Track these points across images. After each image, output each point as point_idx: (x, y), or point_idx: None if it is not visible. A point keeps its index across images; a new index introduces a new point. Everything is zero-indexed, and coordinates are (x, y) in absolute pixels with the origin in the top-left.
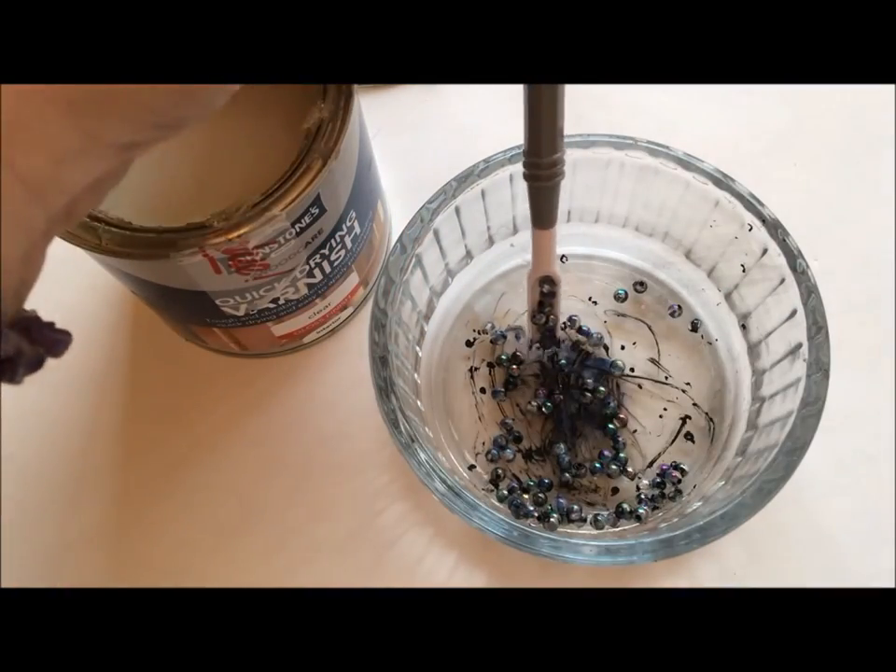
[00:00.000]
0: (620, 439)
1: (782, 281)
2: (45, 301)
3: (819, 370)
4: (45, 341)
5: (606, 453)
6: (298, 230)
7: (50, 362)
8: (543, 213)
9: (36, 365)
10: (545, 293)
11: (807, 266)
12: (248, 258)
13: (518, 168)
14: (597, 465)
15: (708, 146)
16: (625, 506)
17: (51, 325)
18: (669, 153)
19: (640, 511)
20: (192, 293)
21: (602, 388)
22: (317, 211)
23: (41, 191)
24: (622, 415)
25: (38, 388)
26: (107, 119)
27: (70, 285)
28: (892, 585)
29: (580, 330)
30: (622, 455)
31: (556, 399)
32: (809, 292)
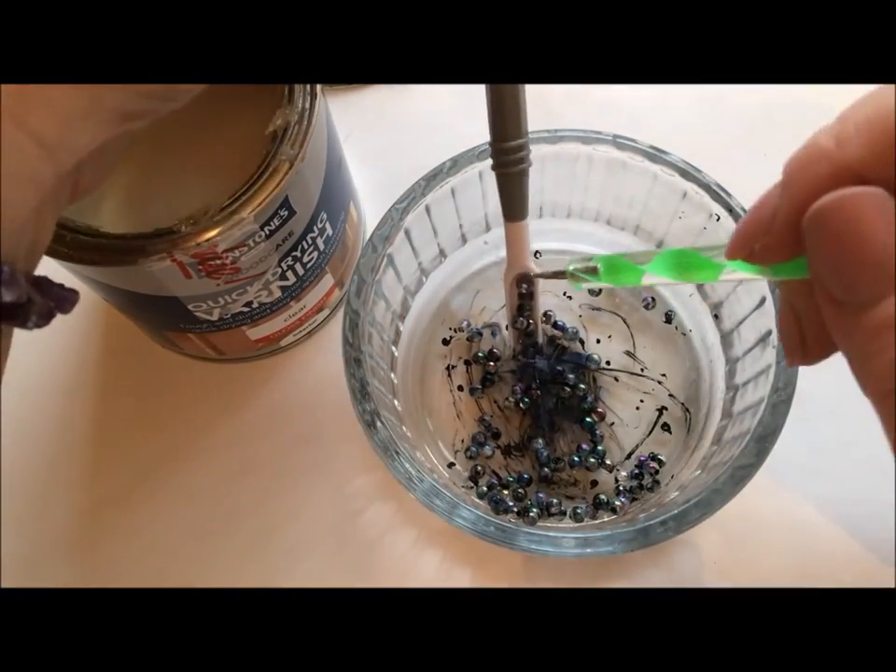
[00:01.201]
0: (598, 431)
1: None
2: None
3: None
4: (54, 296)
5: (584, 446)
6: (267, 232)
7: (24, 370)
8: (514, 203)
9: (47, 315)
10: (523, 293)
11: None
12: (218, 262)
13: (488, 165)
14: (576, 458)
15: (679, 138)
16: (603, 497)
17: (61, 285)
18: (636, 146)
19: (616, 503)
20: (164, 299)
21: (581, 385)
22: (286, 213)
23: (52, 149)
24: (599, 409)
25: (12, 395)
26: (110, 84)
27: None
28: (868, 566)
29: (555, 325)
30: (600, 447)
31: (534, 395)
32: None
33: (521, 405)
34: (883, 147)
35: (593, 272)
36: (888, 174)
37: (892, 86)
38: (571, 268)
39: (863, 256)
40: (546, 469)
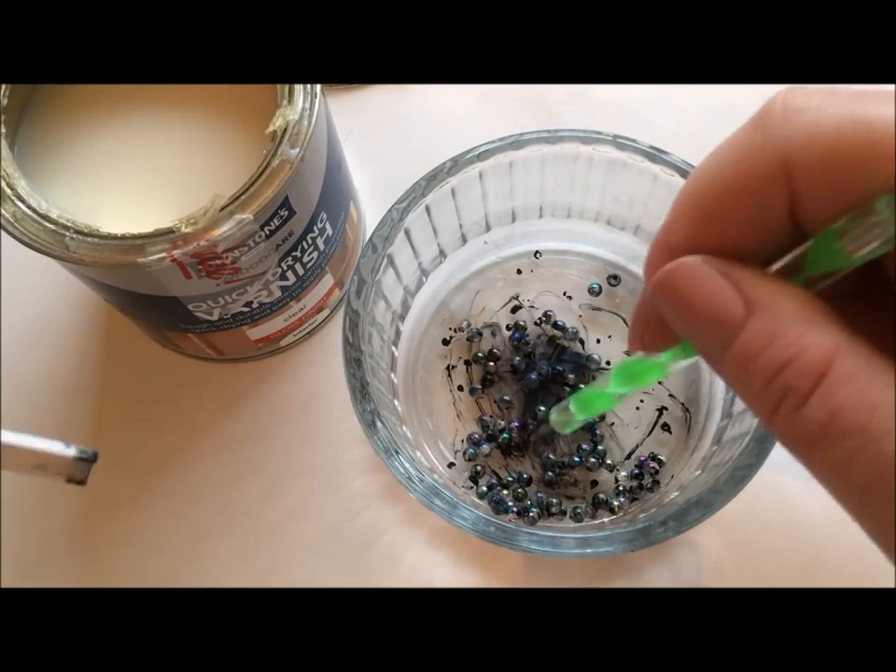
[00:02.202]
0: (598, 431)
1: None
2: (17, 310)
3: None
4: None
5: (584, 446)
6: (267, 232)
7: (24, 370)
8: None
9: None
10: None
11: None
12: (218, 262)
13: (488, 165)
14: (576, 458)
15: (679, 138)
16: (602, 496)
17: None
18: (636, 146)
19: (614, 503)
20: (164, 299)
21: (582, 385)
22: (286, 213)
23: None
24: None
25: (12, 395)
26: None
27: (42, 294)
28: (868, 566)
29: (555, 325)
30: (600, 447)
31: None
32: None
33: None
34: (698, 224)
35: (570, 414)
36: (711, 239)
37: (698, 167)
38: (553, 418)
39: (698, 310)
40: (550, 473)
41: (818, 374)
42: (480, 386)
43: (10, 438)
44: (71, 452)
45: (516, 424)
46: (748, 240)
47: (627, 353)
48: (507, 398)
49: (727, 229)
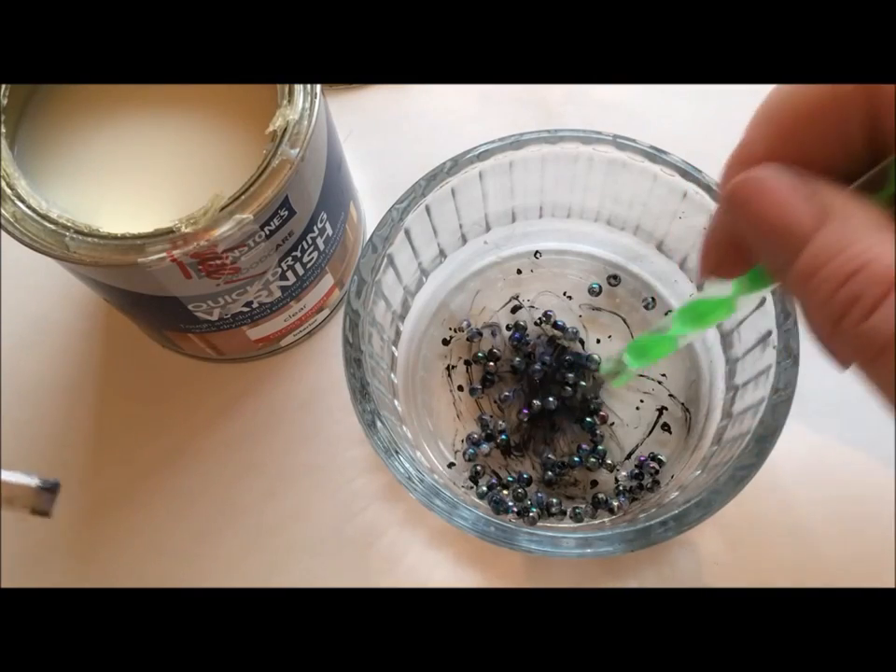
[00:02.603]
0: (598, 431)
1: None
2: (17, 311)
3: (789, 356)
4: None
5: (584, 446)
6: (267, 232)
7: (24, 370)
8: None
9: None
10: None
11: None
12: (218, 262)
13: (488, 165)
14: (576, 458)
15: (679, 138)
16: (602, 496)
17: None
18: (636, 146)
19: (614, 503)
20: (164, 299)
21: (582, 383)
22: (286, 213)
23: None
24: (602, 413)
25: (12, 395)
26: None
27: (42, 294)
28: (868, 566)
29: (555, 325)
30: (600, 447)
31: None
32: None
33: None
34: (777, 140)
35: (622, 365)
36: (789, 154)
37: (779, 85)
38: (604, 368)
39: (769, 219)
40: (550, 473)
41: (889, 283)
42: (480, 386)
43: None
44: (33, 482)
45: (525, 411)
46: (827, 157)
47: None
48: (507, 393)
49: (806, 146)
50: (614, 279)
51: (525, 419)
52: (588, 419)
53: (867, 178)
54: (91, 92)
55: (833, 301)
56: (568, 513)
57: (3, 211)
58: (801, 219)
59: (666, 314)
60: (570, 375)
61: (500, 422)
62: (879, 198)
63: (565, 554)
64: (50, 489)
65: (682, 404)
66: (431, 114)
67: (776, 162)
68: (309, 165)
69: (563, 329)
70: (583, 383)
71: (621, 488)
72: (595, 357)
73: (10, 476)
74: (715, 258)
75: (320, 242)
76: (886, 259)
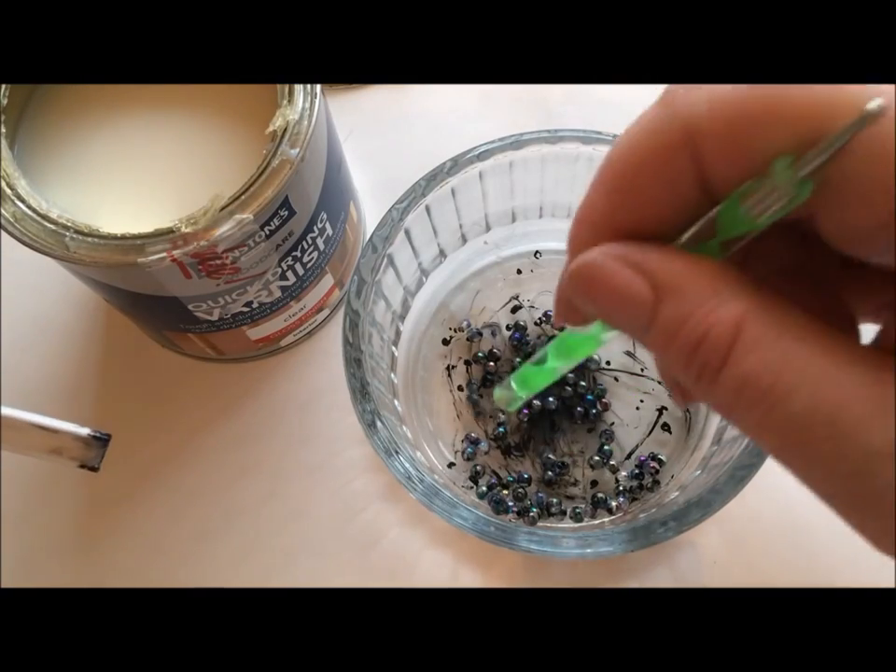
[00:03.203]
0: (606, 430)
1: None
2: (18, 310)
3: None
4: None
5: (589, 445)
6: (267, 232)
7: (24, 370)
8: None
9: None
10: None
11: None
12: (218, 261)
13: (488, 165)
14: (577, 458)
15: None
16: (601, 495)
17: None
18: None
19: (612, 504)
20: (164, 299)
21: (583, 382)
22: (286, 213)
23: None
24: (603, 411)
25: (12, 395)
26: None
27: (42, 294)
28: (868, 566)
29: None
30: (606, 447)
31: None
32: None
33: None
34: (615, 198)
35: (513, 391)
36: (628, 217)
37: (617, 138)
38: (497, 395)
39: (611, 304)
40: (550, 473)
41: (727, 346)
42: (477, 388)
43: (22, 415)
44: (84, 431)
45: (525, 411)
46: (663, 212)
47: (627, 352)
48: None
49: (642, 202)
50: None
51: (525, 419)
52: (593, 410)
53: (696, 230)
54: (91, 92)
55: (689, 369)
56: (568, 513)
57: (3, 211)
58: (641, 298)
59: (549, 338)
60: (571, 375)
61: (500, 414)
62: (709, 247)
63: (565, 554)
64: (102, 440)
65: None
66: (431, 114)
67: (616, 225)
68: (309, 165)
69: (562, 327)
70: (583, 382)
71: (621, 488)
72: (595, 356)
73: (59, 424)
74: (567, 310)
75: (320, 242)
76: (720, 325)
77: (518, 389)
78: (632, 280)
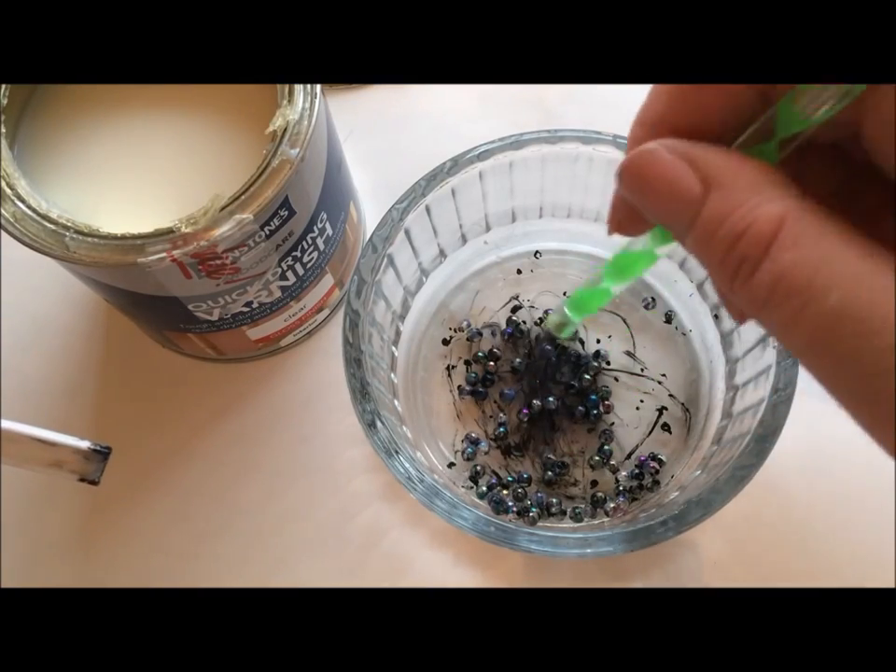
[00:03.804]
0: (606, 430)
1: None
2: (17, 310)
3: (789, 356)
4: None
5: (590, 446)
6: (267, 232)
7: (24, 370)
8: None
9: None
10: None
11: None
12: (218, 261)
13: (488, 165)
14: (578, 458)
15: None
16: (600, 494)
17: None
18: None
19: (613, 503)
20: (164, 299)
21: (587, 376)
22: (286, 213)
23: None
24: (608, 402)
25: (12, 395)
26: None
27: (42, 294)
28: (868, 566)
29: None
30: (606, 447)
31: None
32: None
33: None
34: (675, 98)
35: (566, 317)
36: (686, 114)
37: None
38: (550, 320)
39: (660, 194)
40: (550, 473)
41: (768, 241)
42: (471, 388)
43: (21, 429)
44: (84, 445)
45: (525, 411)
46: (720, 114)
47: (627, 352)
48: (507, 391)
49: (700, 103)
50: None
51: (525, 419)
52: (594, 410)
53: (753, 131)
54: (91, 92)
55: (726, 263)
56: (568, 513)
57: (3, 211)
58: (688, 192)
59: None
60: (566, 372)
61: (501, 414)
62: (766, 149)
63: (565, 554)
64: (102, 453)
65: (682, 404)
66: (431, 114)
67: (676, 126)
68: (309, 165)
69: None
70: (587, 376)
71: (621, 488)
72: (602, 351)
73: (59, 437)
74: (618, 217)
75: (320, 242)
76: (763, 220)
77: (573, 314)
78: (683, 171)
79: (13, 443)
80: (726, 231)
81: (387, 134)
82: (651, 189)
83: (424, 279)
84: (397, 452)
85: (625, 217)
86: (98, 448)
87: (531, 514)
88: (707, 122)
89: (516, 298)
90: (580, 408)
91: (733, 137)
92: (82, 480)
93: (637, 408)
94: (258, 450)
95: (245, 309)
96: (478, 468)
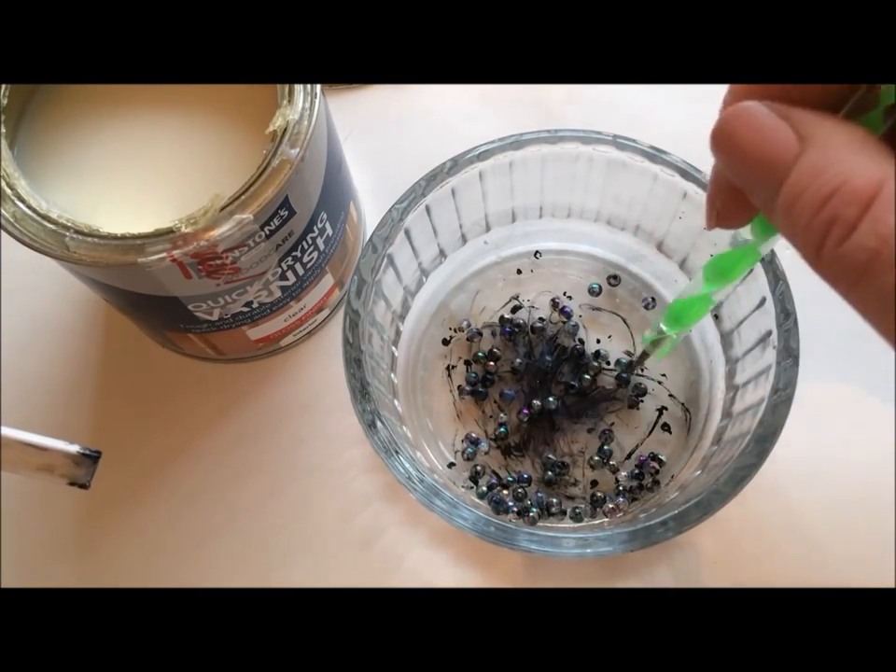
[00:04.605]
0: (606, 430)
1: (751, 270)
2: (17, 310)
3: (789, 356)
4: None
5: (589, 446)
6: (267, 232)
7: (24, 370)
8: None
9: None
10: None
11: (775, 254)
12: (218, 262)
13: (488, 165)
14: (578, 458)
15: (679, 138)
16: (599, 494)
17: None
18: (636, 146)
19: (610, 505)
20: (164, 299)
21: (589, 374)
22: (286, 213)
23: None
24: (615, 397)
25: (12, 395)
26: None
27: (42, 294)
28: (868, 566)
29: (562, 311)
30: (606, 447)
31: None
32: (777, 279)
33: (528, 409)
34: None
35: (662, 333)
36: (785, 91)
37: None
38: (646, 337)
39: (751, 151)
40: (550, 473)
41: (866, 200)
42: (470, 387)
43: (11, 434)
44: (74, 449)
45: (525, 411)
46: (821, 89)
47: (627, 353)
48: (508, 391)
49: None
50: (614, 279)
51: (525, 419)
52: (592, 418)
53: (858, 98)
54: (91, 92)
55: (814, 224)
56: (568, 513)
57: (3, 211)
58: (782, 148)
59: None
60: (567, 372)
61: (501, 414)
62: (868, 119)
63: (565, 554)
64: (92, 457)
65: (682, 404)
66: (431, 114)
67: (766, 94)
68: (309, 165)
69: (569, 314)
70: (587, 376)
71: (621, 488)
72: (602, 351)
73: (48, 441)
74: (719, 204)
75: (320, 242)
76: (861, 177)
77: (669, 329)
78: (779, 126)
79: (2, 448)
80: (816, 189)
81: (387, 134)
82: (746, 143)
83: (424, 279)
84: (397, 452)
85: (725, 203)
86: (88, 452)
87: (531, 514)
88: (810, 91)
89: (516, 298)
90: (592, 412)
91: (837, 107)
92: (72, 484)
93: (637, 408)
94: (258, 450)
95: (245, 309)
96: (478, 468)
